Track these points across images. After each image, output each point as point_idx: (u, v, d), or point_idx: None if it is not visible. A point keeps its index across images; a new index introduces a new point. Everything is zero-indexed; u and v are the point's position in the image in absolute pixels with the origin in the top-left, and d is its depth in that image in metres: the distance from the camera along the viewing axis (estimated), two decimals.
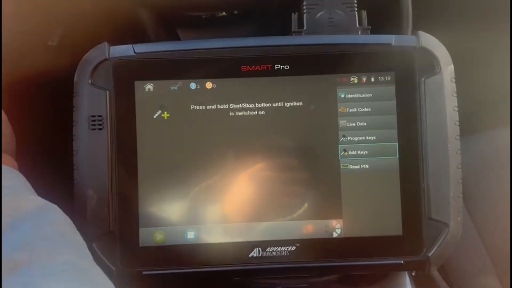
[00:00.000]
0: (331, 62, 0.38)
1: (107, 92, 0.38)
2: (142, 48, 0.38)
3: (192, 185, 0.38)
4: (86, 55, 0.38)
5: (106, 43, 0.38)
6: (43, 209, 0.30)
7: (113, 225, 0.37)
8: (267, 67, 0.38)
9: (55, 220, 0.30)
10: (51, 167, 0.45)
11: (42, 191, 0.34)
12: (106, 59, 0.38)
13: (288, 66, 0.38)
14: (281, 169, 0.38)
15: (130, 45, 0.38)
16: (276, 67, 0.38)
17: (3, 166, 0.33)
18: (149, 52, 0.38)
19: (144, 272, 0.37)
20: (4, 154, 0.36)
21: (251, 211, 0.38)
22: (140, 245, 0.38)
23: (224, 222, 0.38)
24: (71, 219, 0.32)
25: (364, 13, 0.41)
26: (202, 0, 0.51)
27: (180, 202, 0.38)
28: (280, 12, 0.54)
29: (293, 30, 0.41)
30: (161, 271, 0.38)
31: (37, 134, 0.45)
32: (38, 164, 0.44)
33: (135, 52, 0.38)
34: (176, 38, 0.60)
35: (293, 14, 0.42)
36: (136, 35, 0.56)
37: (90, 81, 0.38)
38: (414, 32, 0.40)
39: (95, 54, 0.38)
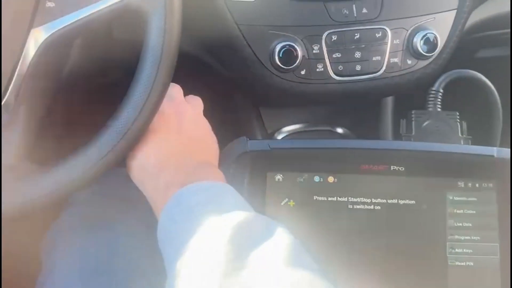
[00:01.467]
0: (441, 167, 0.44)
1: (245, 180, 0.43)
2: (276, 144, 0.44)
3: None
4: (227, 146, 0.44)
5: (245, 137, 0.44)
6: (274, 229, 0.31)
7: None
8: (384, 167, 0.44)
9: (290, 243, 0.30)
10: None
11: None
12: (245, 152, 0.43)
13: (403, 168, 0.44)
14: (393, 263, 0.42)
15: (266, 141, 0.44)
16: (392, 168, 0.44)
17: (217, 183, 0.34)
18: (281, 148, 0.44)
19: None
20: (215, 168, 0.38)
21: None
22: None
23: None
24: None
25: (464, 124, 0.47)
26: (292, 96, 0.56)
27: None
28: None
29: (402, 133, 0.47)
30: None
31: None
32: None
33: (270, 147, 0.44)
34: (257, 111, 0.66)
35: (401, 119, 0.48)
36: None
37: (230, 171, 0.43)
38: (503, 140, 0.45)
39: (236, 147, 0.43)
